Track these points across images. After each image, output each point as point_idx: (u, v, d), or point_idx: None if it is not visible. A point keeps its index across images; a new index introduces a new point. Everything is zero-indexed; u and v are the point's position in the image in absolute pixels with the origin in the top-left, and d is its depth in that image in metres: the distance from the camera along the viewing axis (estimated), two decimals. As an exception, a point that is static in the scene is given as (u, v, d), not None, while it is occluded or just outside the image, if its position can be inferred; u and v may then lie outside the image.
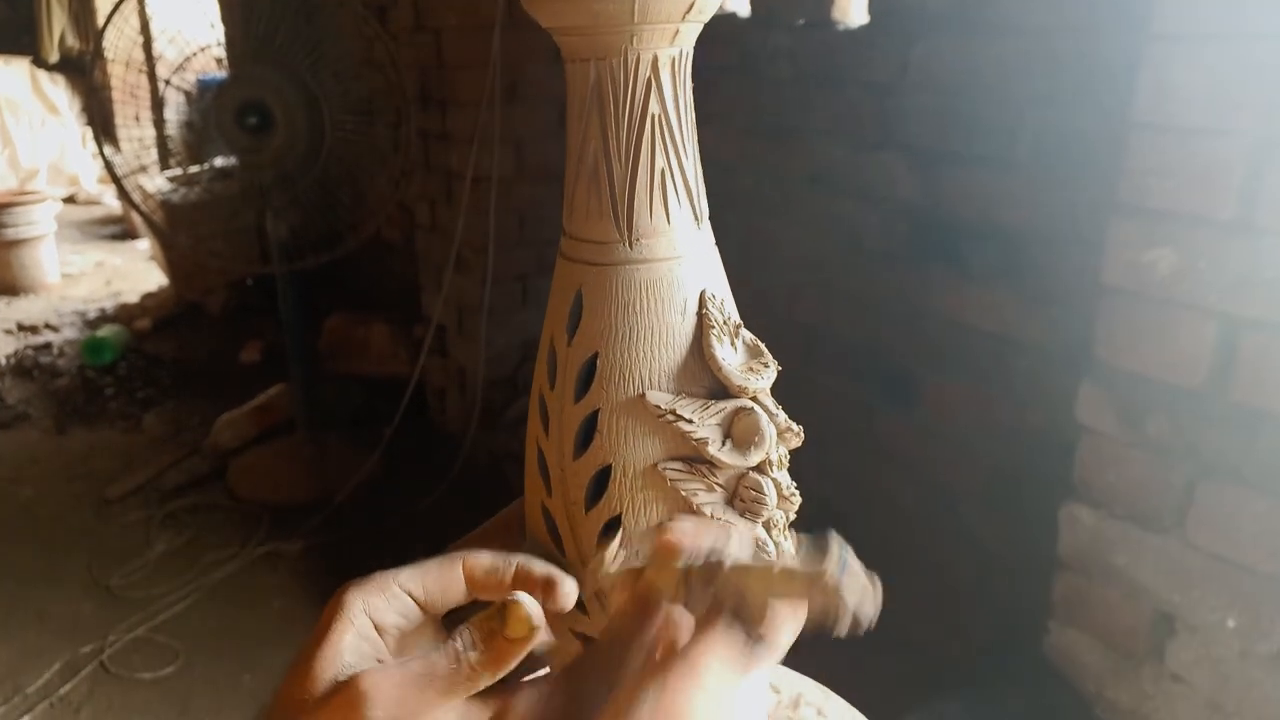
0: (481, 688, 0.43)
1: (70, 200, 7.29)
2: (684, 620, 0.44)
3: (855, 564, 0.39)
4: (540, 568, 0.49)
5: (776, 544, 0.53)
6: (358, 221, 2.81)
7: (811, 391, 2.34)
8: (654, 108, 0.49)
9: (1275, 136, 1.14)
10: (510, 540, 0.56)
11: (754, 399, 0.51)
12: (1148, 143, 1.26)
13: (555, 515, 0.53)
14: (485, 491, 2.88)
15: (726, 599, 0.40)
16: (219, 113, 2.65)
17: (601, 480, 0.52)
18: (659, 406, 0.50)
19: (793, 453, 0.54)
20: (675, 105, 0.50)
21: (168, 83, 2.68)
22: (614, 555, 0.50)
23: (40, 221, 5.21)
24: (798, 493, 0.53)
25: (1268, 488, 1.21)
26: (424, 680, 0.42)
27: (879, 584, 0.40)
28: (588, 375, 0.51)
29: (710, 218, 0.54)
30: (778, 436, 0.52)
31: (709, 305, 0.51)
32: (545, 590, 0.48)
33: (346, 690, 0.42)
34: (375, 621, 0.47)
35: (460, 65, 2.75)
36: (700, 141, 0.53)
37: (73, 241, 6.22)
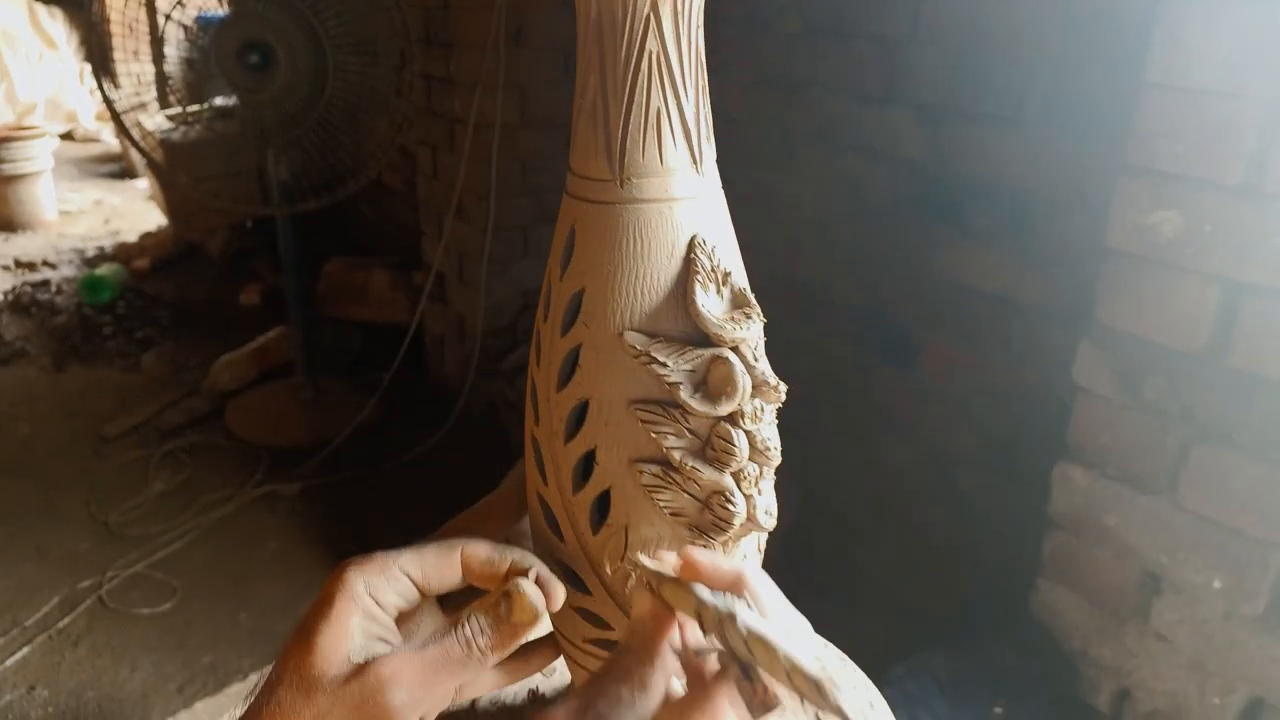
0: (489, 668, 0.47)
1: (68, 137, 7.23)
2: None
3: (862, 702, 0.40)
4: (539, 570, 0.51)
5: (747, 495, 0.52)
6: (359, 165, 2.79)
7: (810, 348, 2.34)
8: (652, 45, 0.49)
9: (1287, 101, 1.13)
10: (503, 519, 0.57)
11: (734, 349, 0.51)
12: (1158, 103, 1.25)
13: (541, 444, 0.54)
14: (482, 439, 2.89)
15: (737, 657, 0.41)
16: (220, 50, 2.62)
17: (580, 414, 0.52)
18: (635, 346, 0.50)
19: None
20: (677, 45, 0.49)
21: (168, 18, 2.64)
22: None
23: (38, 157, 5.17)
24: (777, 449, 0.53)
25: (1261, 453, 1.22)
26: (439, 664, 0.46)
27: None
28: (575, 310, 0.52)
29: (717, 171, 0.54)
30: (755, 390, 0.51)
31: (697, 251, 0.51)
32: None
33: (368, 675, 0.45)
34: (378, 601, 0.49)
35: (466, 6, 2.72)
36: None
37: (70, 179, 6.18)
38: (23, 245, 4.88)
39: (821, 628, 0.75)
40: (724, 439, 0.51)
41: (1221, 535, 1.27)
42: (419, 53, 2.76)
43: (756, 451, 0.52)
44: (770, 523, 0.53)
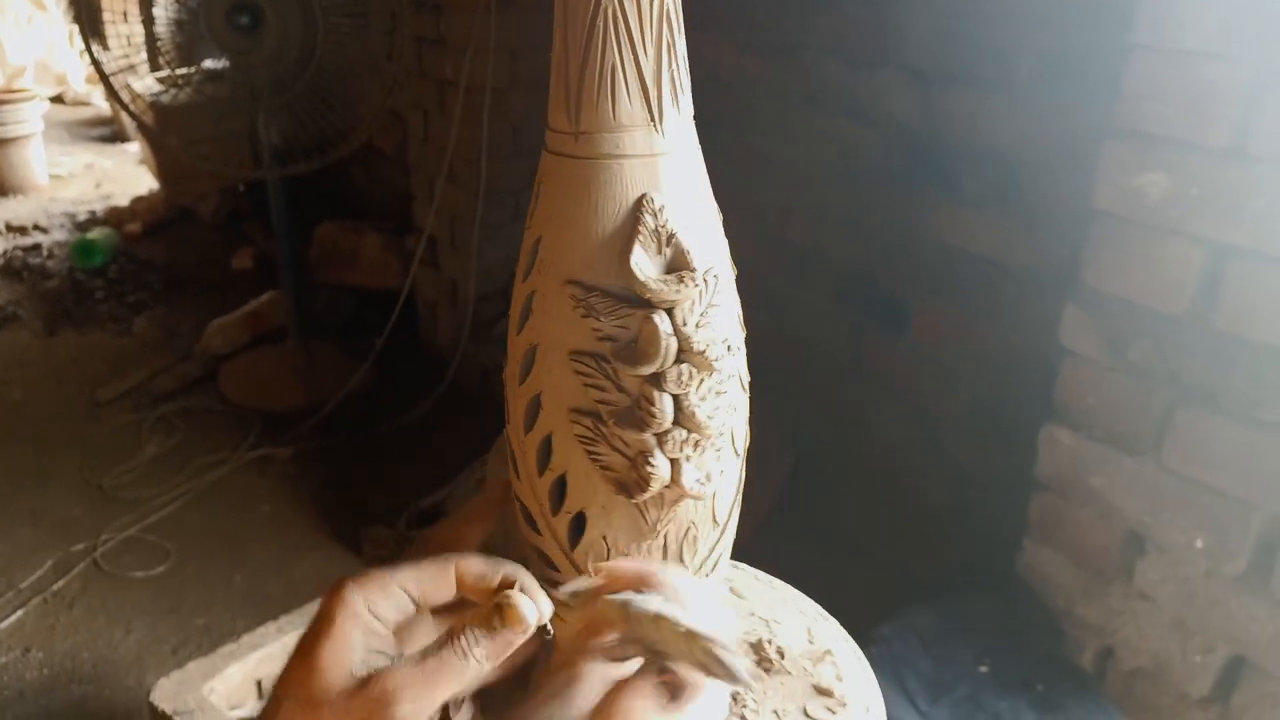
0: (485, 674, 0.50)
1: (58, 100, 7.16)
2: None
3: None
4: (526, 583, 0.53)
5: (672, 459, 0.52)
6: (350, 128, 2.77)
7: (800, 311, 2.34)
8: (608, 2, 0.48)
9: (1273, 63, 1.13)
10: (487, 522, 0.60)
11: (668, 311, 0.51)
12: (1145, 65, 1.25)
13: (507, 388, 0.56)
14: (474, 404, 2.90)
15: (656, 650, 0.43)
16: (210, 11, 2.59)
17: (530, 359, 0.53)
18: (573, 297, 0.51)
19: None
20: (635, 2, 0.48)
21: (156, -22, 2.62)
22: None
23: (28, 120, 5.12)
24: (710, 418, 0.52)
25: (1243, 414, 1.23)
26: (439, 674, 0.48)
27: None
28: (533, 257, 0.53)
29: (704, 133, 0.54)
30: (684, 355, 0.51)
31: (644, 210, 0.51)
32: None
33: (372, 688, 0.47)
34: (378, 617, 0.51)
35: (456, -32, 2.69)
36: (696, 56, 0.52)
37: (61, 143, 6.13)
38: (13, 209, 4.85)
39: (810, 588, 0.76)
40: (647, 399, 0.51)
41: (1204, 495, 1.28)
42: (409, 15, 2.73)
43: (685, 416, 0.52)
44: (701, 490, 0.53)
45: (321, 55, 2.62)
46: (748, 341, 0.56)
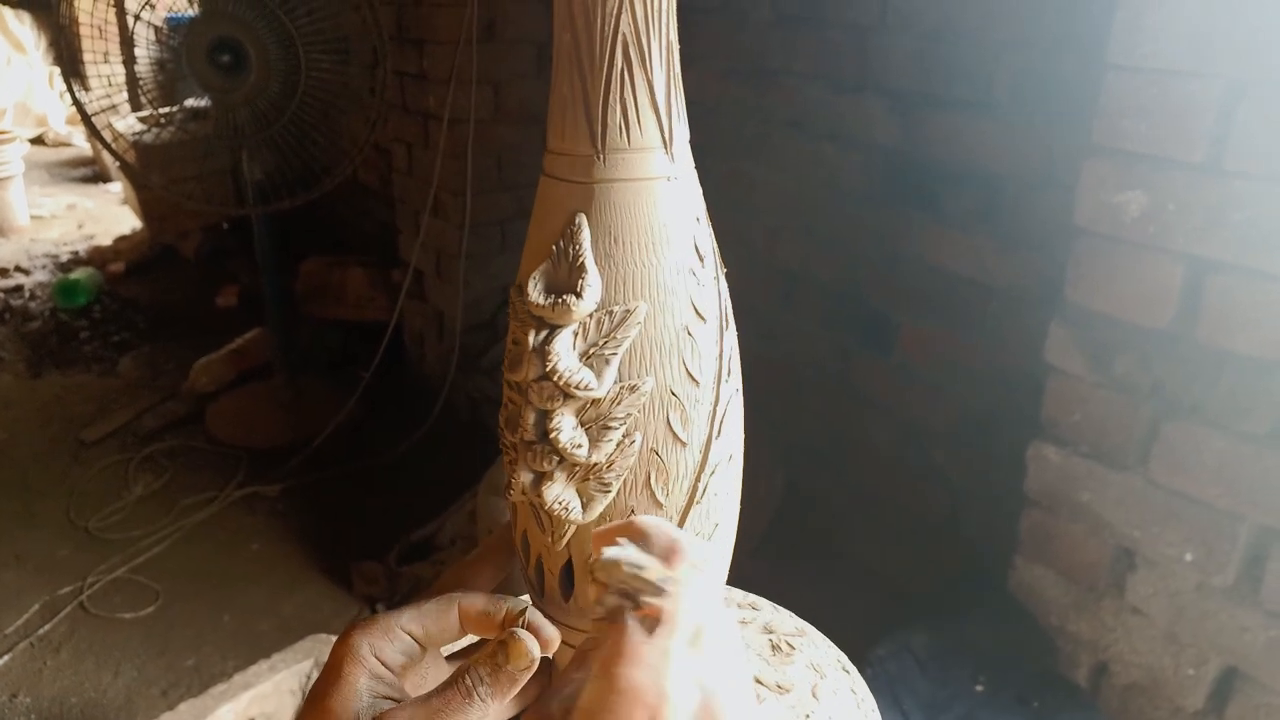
0: (492, 715, 0.50)
1: (38, 141, 7.16)
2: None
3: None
4: (532, 617, 0.54)
5: (534, 469, 0.54)
6: (333, 164, 2.78)
7: (789, 333, 2.36)
8: (567, 37, 0.51)
9: (1246, 79, 1.15)
10: (498, 565, 0.60)
11: (552, 331, 0.52)
12: (1121, 84, 1.26)
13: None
14: (463, 435, 2.89)
15: (628, 595, 0.45)
16: (191, 50, 2.60)
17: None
18: (510, 297, 0.55)
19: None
20: (589, 36, 0.50)
21: (137, 18, 2.63)
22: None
23: (9, 162, 5.12)
24: (577, 450, 0.52)
25: (1228, 426, 1.24)
26: (443, 714, 0.48)
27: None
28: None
29: (693, 159, 0.55)
30: (548, 375, 0.52)
31: (566, 230, 0.52)
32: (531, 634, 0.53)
33: None
34: (383, 660, 0.52)
35: (437, 2, 2.71)
36: (682, 83, 0.53)
37: (42, 184, 6.12)
38: (-5, 251, 4.84)
39: (804, 609, 0.76)
40: (514, 403, 0.54)
41: (1192, 508, 1.29)
42: (391, 50, 2.75)
43: (544, 432, 0.53)
44: (563, 513, 0.54)
45: (304, 91, 2.64)
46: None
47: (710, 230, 0.56)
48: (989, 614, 1.57)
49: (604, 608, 0.45)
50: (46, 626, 2.19)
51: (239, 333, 3.40)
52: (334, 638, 1.72)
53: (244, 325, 3.48)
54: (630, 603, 0.44)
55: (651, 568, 0.44)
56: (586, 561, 0.49)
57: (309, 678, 1.62)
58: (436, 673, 0.56)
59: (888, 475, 2.18)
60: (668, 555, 0.45)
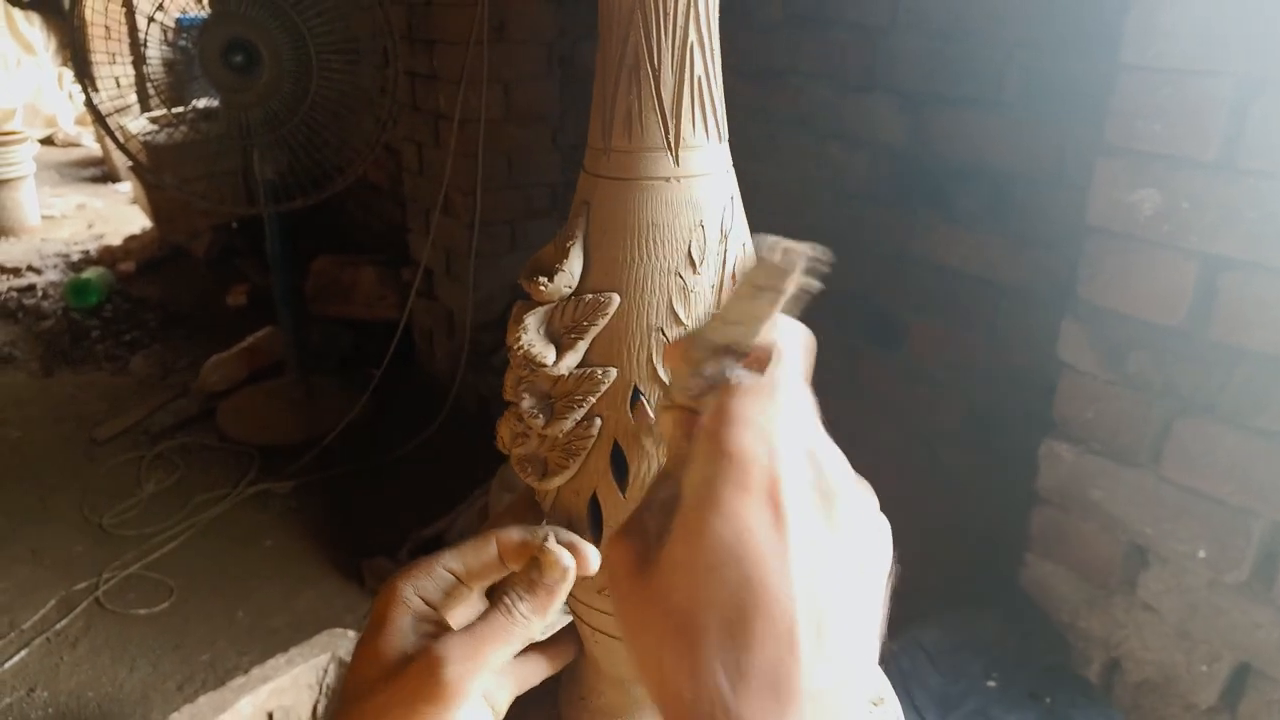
0: (535, 634, 0.51)
1: (48, 142, 7.19)
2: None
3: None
4: (564, 536, 0.54)
5: (515, 434, 0.58)
6: (344, 163, 2.79)
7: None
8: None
9: (1259, 78, 1.16)
10: (536, 512, 0.61)
11: (535, 307, 0.54)
12: (1135, 84, 1.27)
13: None
14: (473, 433, 2.90)
15: (723, 350, 0.42)
16: (204, 50, 2.62)
17: None
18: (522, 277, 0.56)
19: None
20: (606, 34, 0.53)
21: (150, 20, 2.64)
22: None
23: (20, 162, 5.14)
24: (535, 419, 0.55)
25: (1241, 423, 1.24)
26: (486, 634, 0.50)
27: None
28: None
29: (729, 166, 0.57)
30: (511, 342, 0.54)
31: (572, 220, 0.54)
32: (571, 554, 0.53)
33: (424, 656, 0.49)
34: (426, 600, 0.53)
35: (448, 2, 2.72)
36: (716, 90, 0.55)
37: (52, 184, 6.15)
38: (6, 251, 4.86)
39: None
40: (506, 364, 0.58)
41: (1204, 505, 1.30)
42: (402, 50, 2.76)
43: (516, 411, 0.56)
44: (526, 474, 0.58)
45: (315, 91, 2.65)
46: None
47: (725, 241, 0.56)
48: (1001, 611, 1.58)
49: (701, 380, 0.41)
50: (63, 622, 2.20)
51: (249, 331, 3.42)
52: (350, 632, 1.74)
53: (254, 324, 3.50)
54: (732, 358, 0.40)
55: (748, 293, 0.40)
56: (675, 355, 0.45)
57: (326, 672, 1.63)
58: (479, 612, 0.56)
59: (895, 473, 2.18)
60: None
